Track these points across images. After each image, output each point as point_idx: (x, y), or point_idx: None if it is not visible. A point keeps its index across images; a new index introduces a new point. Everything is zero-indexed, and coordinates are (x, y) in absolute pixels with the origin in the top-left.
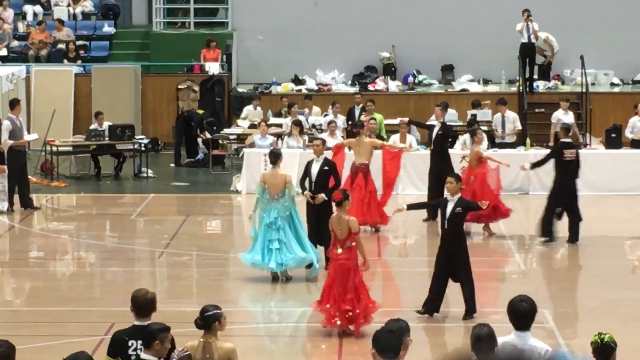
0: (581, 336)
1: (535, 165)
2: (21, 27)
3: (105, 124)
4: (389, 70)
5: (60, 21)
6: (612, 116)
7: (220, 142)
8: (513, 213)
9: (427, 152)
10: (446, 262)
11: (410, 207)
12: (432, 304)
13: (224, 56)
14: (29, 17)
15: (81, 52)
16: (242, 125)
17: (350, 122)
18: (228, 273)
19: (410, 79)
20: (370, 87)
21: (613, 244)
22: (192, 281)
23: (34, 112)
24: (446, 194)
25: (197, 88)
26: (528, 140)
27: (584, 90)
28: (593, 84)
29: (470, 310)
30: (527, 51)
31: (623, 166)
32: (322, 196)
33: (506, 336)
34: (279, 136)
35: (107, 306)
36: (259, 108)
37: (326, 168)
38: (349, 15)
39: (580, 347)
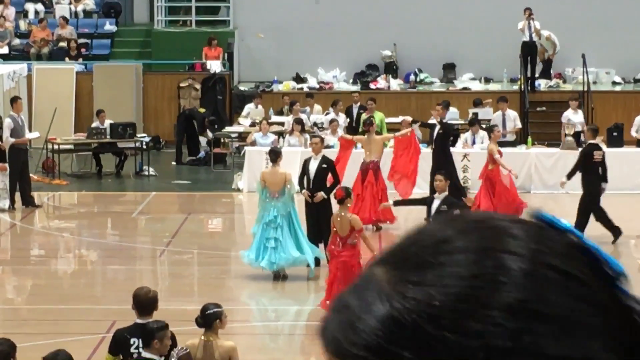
0: None
1: (571, 174)
2: (23, 25)
3: (107, 122)
4: (391, 68)
5: (65, 19)
6: (613, 115)
7: (222, 140)
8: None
9: (429, 150)
10: None
11: (397, 203)
12: None
13: (226, 54)
14: (31, 15)
15: (83, 50)
16: (243, 123)
17: (349, 120)
18: (229, 271)
19: (412, 77)
20: (372, 86)
21: (615, 243)
22: (193, 279)
23: (36, 110)
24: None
25: (198, 86)
26: (530, 139)
27: (585, 89)
28: (595, 82)
29: None
30: (529, 50)
31: (625, 165)
32: (321, 194)
33: None
34: (280, 134)
35: (109, 304)
36: (260, 106)
37: (324, 166)
38: (351, 13)
39: None
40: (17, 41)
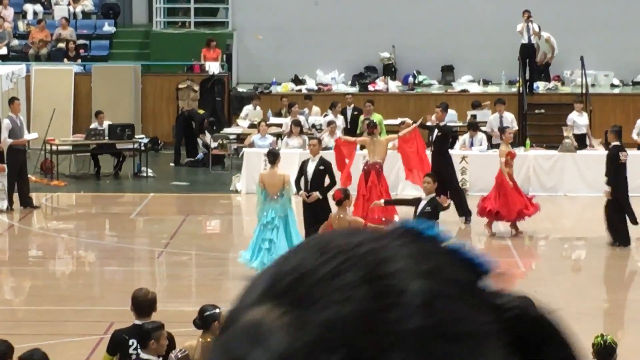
0: (580, 337)
1: (610, 179)
2: (21, 26)
3: (105, 123)
4: (389, 70)
5: (67, 19)
6: (612, 117)
7: (220, 142)
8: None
9: (428, 152)
10: None
11: (387, 202)
12: None
13: (224, 56)
14: (29, 16)
15: (81, 51)
16: (242, 125)
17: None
18: (227, 273)
19: (411, 79)
20: (370, 88)
21: (613, 245)
22: (191, 281)
23: (34, 111)
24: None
25: (197, 88)
26: (528, 141)
27: (584, 91)
28: (593, 85)
29: None
30: (527, 52)
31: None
32: (316, 194)
33: None
34: (279, 136)
35: (107, 305)
36: (258, 108)
37: (322, 167)
38: (350, 15)
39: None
40: (15, 42)
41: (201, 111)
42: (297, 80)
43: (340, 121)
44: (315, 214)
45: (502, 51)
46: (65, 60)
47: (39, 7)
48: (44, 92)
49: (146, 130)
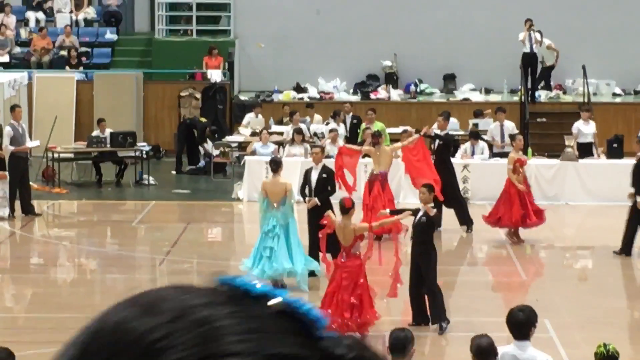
0: (582, 346)
1: (637, 190)
2: (24, 34)
3: (107, 131)
4: (391, 78)
5: (71, 27)
6: (613, 126)
7: (222, 150)
8: None
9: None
10: (415, 272)
11: (392, 212)
12: (419, 318)
13: (226, 64)
14: (32, 24)
15: (83, 58)
16: (243, 132)
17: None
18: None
19: (412, 87)
20: (372, 96)
21: (614, 254)
22: None
23: (36, 118)
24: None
25: (199, 95)
26: (530, 150)
27: (585, 100)
28: (595, 94)
29: (435, 321)
30: (529, 61)
31: (624, 176)
32: (315, 201)
33: (506, 346)
34: (280, 144)
35: None
36: (260, 116)
37: (324, 175)
38: (351, 23)
39: (582, 357)
40: (17, 49)
41: (203, 119)
42: (299, 89)
43: (342, 129)
44: (319, 218)
45: (504, 60)
46: (67, 67)
47: (41, 15)
48: (46, 99)
49: (148, 138)
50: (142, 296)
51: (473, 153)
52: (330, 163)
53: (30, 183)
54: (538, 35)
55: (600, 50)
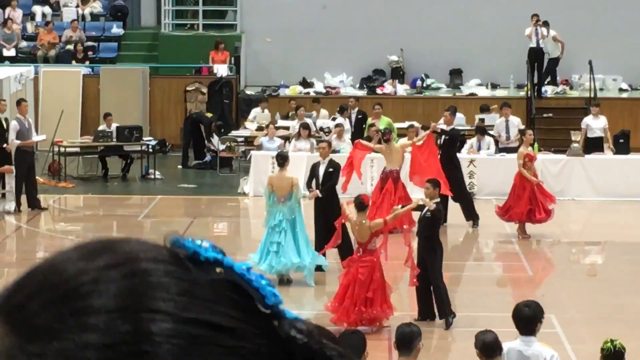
0: (588, 341)
1: None
2: (30, 28)
3: (113, 125)
4: (397, 73)
5: (77, 21)
6: (620, 122)
7: (228, 144)
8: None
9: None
10: (421, 267)
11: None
12: (425, 313)
13: (232, 58)
14: (38, 18)
15: (89, 53)
16: (250, 127)
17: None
18: None
19: (419, 82)
20: (379, 91)
21: (620, 250)
22: None
23: (42, 112)
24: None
25: (205, 90)
26: (536, 145)
27: (592, 95)
28: (601, 89)
29: (442, 316)
30: (536, 56)
31: (631, 172)
32: (316, 192)
33: (512, 341)
34: (287, 139)
35: None
36: (266, 110)
37: (331, 170)
38: (358, 18)
39: (588, 353)
40: (24, 44)
41: (209, 114)
42: (305, 83)
43: (347, 124)
44: (325, 217)
45: (511, 55)
46: (74, 62)
47: (47, 9)
48: (52, 94)
49: (154, 132)
50: (92, 242)
51: (479, 148)
52: (337, 158)
53: (37, 177)
54: (544, 31)
55: (606, 45)
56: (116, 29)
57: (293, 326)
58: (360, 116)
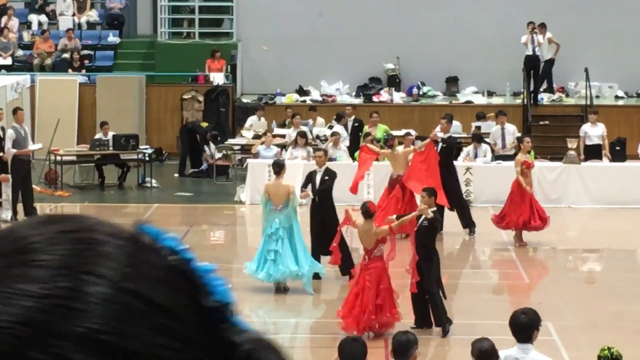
0: (585, 349)
1: None
2: (26, 37)
3: (110, 134)
4: (394, 81)
5: (73, 30)
6: (616, 129)
7: (225, 153)
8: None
9: None
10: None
11: (399, 217)
12: (422, 320)
13: (229, 66)
14: (34, 27)
15: (86, 61)
16: (246, 135)
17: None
18: (231, 283)
19: (415, 90)
20: (375, 99)
21: (617, 257)
22: None
23: (39, 121)
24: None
25: (201, 98)
26: (532, 152)
27: (588, 103)
28: (597, 96)
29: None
30: (532, 63)
31: (627, 179)
32: (307, 192)
33: (508, 349)
34: (283, 147)
35: None
36: (263, 119)
37: (327, 178)
38: (354, 26)
39: None
40: (20, 52)
41: (204, 124)
42: (302, 91)
43: (343, 132)
44: (322, 223)
45: (507, 63)
46: (70, 70)
47: (43, 18)
48: (49, 102)
49: (150, 140)
50: (57, 213)
51: (476, 156)
52: (333, 166)
53: (33, 186)
54: (540, 38)
55: (602, 53)
56: (112, 38)
57: (239, 333)
58: (356, 124)
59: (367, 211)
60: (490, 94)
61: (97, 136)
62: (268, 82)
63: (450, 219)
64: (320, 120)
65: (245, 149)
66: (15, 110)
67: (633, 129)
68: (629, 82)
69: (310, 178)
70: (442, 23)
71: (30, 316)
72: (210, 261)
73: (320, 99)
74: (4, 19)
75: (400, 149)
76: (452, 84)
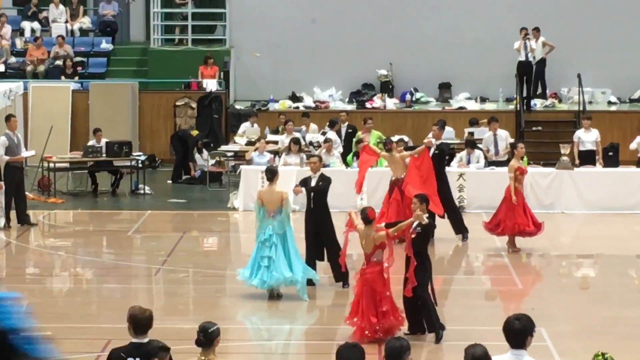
0: (579, 355)
1: None
2: (19, 44)
3: (103, 141)
4: (387, 87)
5: (63, 37)
6: (609, 135)
7: (218, 159)
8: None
9: None
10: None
11: (388, 225)
12: (415, 326)
13: (222, 73)
14: (27, 34)
15: (79, 68)
16: (239, 142)
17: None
18: (225, 290)
19: (408, 96)
20: (368, 105)
21: (611, 263)
22: (188, 298)
23: (32, 128)
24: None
25: (194, 105)
26: (525, 158)
27: (581, 108)
28: (590, 102)
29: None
30: (525, 69)
31: (620, 184)
32: (299, 188)
33: (502, 355)
34: (276, 153)
35: (104, 323)
36: (256, 125)
37: (321, 183)
38: (347, 32)
39: None
40: (13, 59)
41: (194, 132)
42: (295, 98)
43: (335, 138)
44: (317, 229)
45: (500, 68)
46: (63, 77)
47: (36, 25)
48: (42, 109)
49: (143, 147)
50: None
51: (469, 162)
52: (327, 172)
53: (26, 193)
54: (533, 44)
55: (595, 58)
56: (105, 45)
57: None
58: (350, 130)
59: (367, 217)
60: (483, 99)
61: (90, 143)
62: (261, 89)
63: (443, 225)
64: (313, 126)
65: (239, 156)
66: (8, 118)
67: (626, 135)
68: (621, 88)
69: (304, 184)
70: (434, 29)
71: None
72: (203, 268)
73: (313, 105)
74: None
75: (411, 153)
76: (444, 90)
